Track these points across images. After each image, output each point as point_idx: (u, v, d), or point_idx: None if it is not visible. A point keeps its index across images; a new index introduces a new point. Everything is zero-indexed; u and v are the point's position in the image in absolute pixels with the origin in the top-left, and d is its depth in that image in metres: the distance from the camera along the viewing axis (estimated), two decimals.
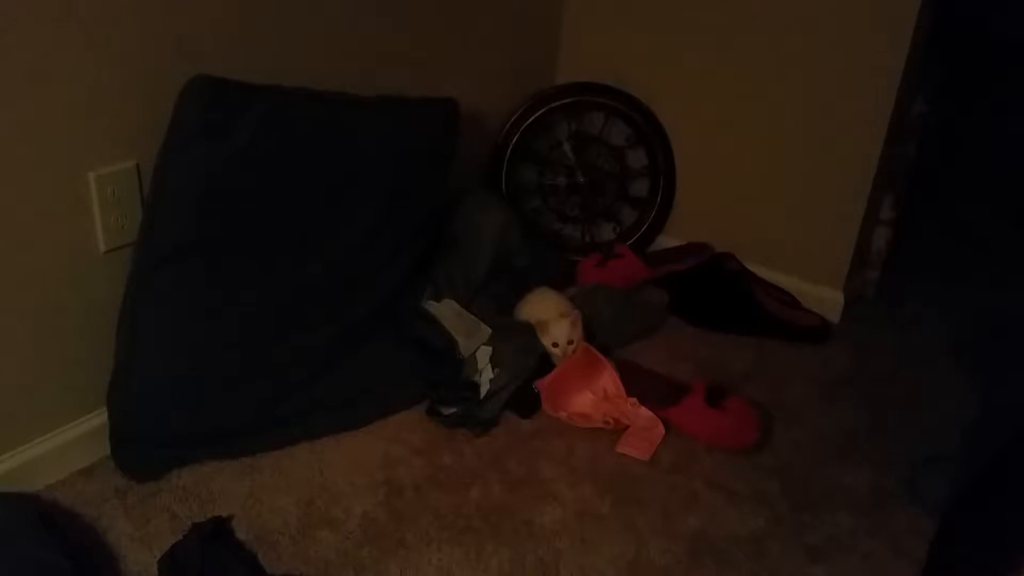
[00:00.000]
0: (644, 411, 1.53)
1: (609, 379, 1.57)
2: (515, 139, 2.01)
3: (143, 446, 1.34)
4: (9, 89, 1.13)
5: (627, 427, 1.53)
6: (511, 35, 1.97)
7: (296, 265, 1.43)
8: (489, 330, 1.61)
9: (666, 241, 2.11)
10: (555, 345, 1.60)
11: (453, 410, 1.52)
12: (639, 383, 1.57)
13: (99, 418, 1.35)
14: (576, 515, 1.35)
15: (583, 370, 1.58)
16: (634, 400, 1.53)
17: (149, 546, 1.23)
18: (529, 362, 1.58)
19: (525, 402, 1.56)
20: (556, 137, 2.08)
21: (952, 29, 1.92)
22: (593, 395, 1.57)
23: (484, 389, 1.54)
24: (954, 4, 1.85)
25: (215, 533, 1.22)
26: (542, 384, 1.56)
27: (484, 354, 1.58)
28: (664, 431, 1.52)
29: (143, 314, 1.29)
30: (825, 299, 1.93)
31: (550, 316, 1.62)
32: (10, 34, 1.11)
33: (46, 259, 1.24)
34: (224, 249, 1.33)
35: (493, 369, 1.56)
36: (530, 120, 2.01)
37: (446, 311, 1.65)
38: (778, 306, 1.87)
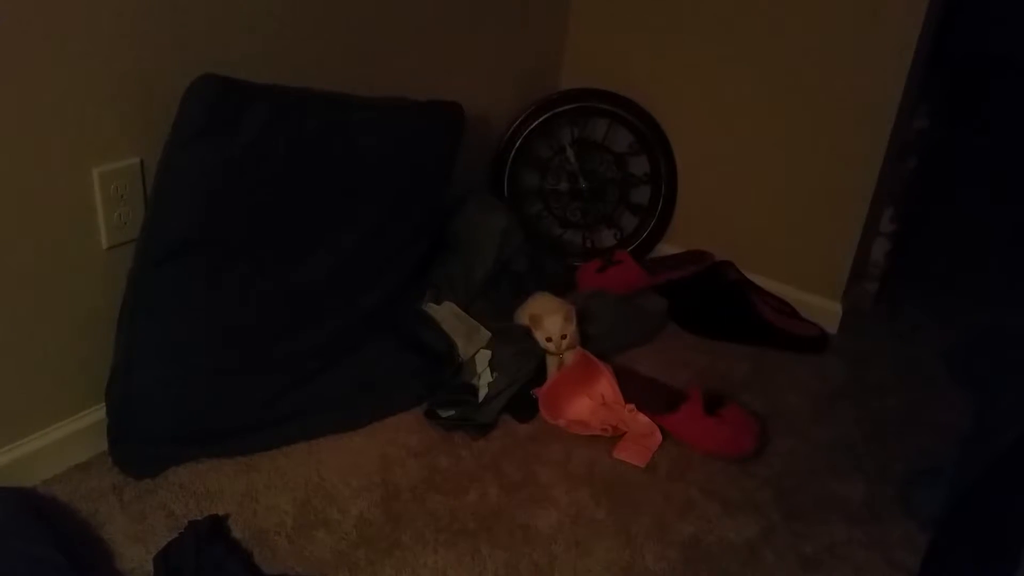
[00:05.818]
0: (642, 418, 1.53)
1: (607, 385, 1.57)
2: (518, 143, 2.01)
3: (141, 443, 1.34)
4: (13, 84, 1.13)
5: (624, 433, 1.53)
6: (516, 40, 1.97)
7: (297, 265, 1.44)
8: (489, 333, 1.62)
9: (666, 248, 2.11)
10: (548, 340, 1.59)
11: (451, 413, 1.53)
12: (637, 390, 1.57)
13: (97, 414, 1.36)
14: (572, 520, 1.36)
15: (581, 376, 1.59)
16: (632, 407, 1.53)
17: (145, 543, 1.23)
18: (528, 366, 1.58)
19: (523, 406, 1.56)
20: (559, 142, 2.08)
21: (955, 45, 1.93)
22: (591, 401, 1.57)
23: (483, 392, 1.55)
24: (958, 21, 1.86)
25: (211, 531, 1.22)
26: (540, 391, 1.56)
27: (483, 357, 1.58)
28: (661, 438, 1.52)
29: (144, 311, 1.29)
30: (823, 309, 1.93)
31: (543, 311, 1.61)
32: (15, 29, 1.11)
33: (48, 254, 1.24)
34: (226, 248, 1.34)
35: (492, 372, 1.56)
36: (533, 125, 2.01)
37: (446, 314, 1.65)
38: (776, 316, 1.88)
